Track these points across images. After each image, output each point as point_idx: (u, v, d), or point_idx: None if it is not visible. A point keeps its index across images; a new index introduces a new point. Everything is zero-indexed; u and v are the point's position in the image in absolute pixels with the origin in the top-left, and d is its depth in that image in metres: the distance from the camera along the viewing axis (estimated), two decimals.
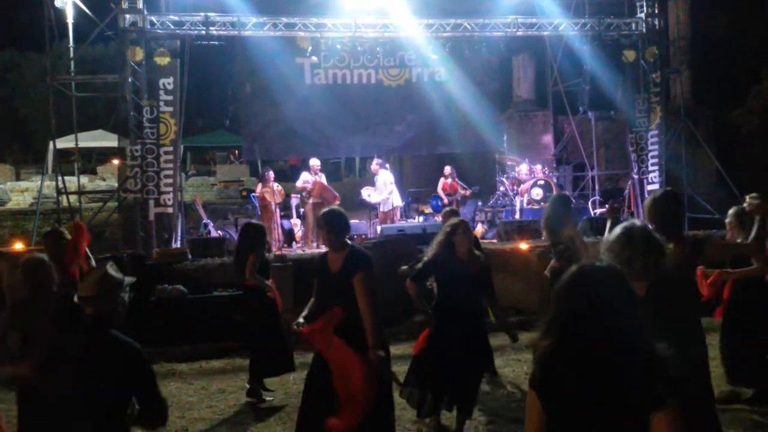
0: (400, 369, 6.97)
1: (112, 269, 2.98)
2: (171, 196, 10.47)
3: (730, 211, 5.36)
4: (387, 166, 12.81)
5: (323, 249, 10.40)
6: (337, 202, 11.71)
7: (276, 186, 11.78)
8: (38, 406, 3.04)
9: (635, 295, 2.11)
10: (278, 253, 10.23)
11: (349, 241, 4.35)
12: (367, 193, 12.30)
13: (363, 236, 11.18)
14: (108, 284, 2.91)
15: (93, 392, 2.73)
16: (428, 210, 12.92)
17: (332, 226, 4.23)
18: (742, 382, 5.44)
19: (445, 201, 12.39)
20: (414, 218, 12.96)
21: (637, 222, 3.09)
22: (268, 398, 6.19)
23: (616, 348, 1.94)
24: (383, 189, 12.10)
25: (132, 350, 2.84)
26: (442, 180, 12.81)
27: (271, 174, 11.92)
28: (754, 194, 4.05)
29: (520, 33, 11.64)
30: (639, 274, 2.89)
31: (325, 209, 4.43)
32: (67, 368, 2.80)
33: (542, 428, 2.05)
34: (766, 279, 5.11)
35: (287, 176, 21.62)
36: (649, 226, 3.39)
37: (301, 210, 12.01)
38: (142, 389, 2.85)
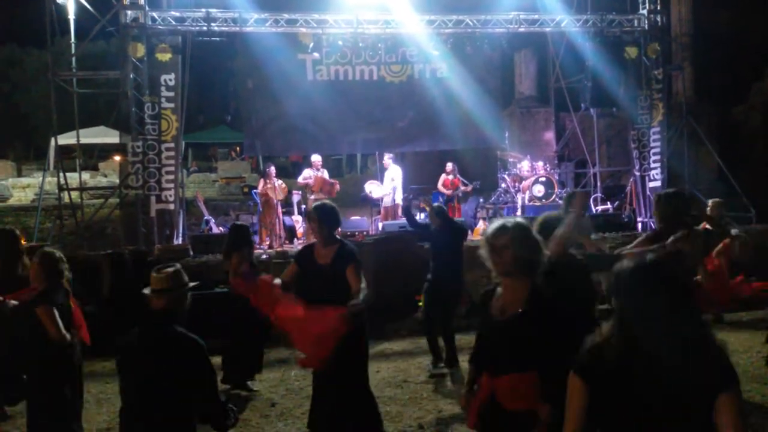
0: (401, 365, 7.00)
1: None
2: (172, 192, 10.48)
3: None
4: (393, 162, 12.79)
5: None
6: (337, 187, 11.75)
7: (278, 182, 11.78)
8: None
9: (690, 286, 2.29)
10: (279, 249, 10.24)
11: (337, 236, 4.41)
12: (370, 189, 12.30)
13: (364, 233, 11.17)
14: (181, 280, 3.15)
15: (160, 382, 2.96)
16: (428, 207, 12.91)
17: (325, 219, 4.24)
18: None
19: (447, 195, 12.39)
20: (415, 215, 12.92)
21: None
22: (254, 388, 6.31)
23: (678, 339, 1.99)
24: (387, 184, 12.10)
25: (196, 345, 3.03)
26: (443, 176, 12.80)
27: (273, 170, 11.92)
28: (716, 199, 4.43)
29: (522, 29, 11.62)
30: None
31: (317, 203, 4.44)
32: (139, 359, 3.03)
33: (583, 415, 2.11)
34: None
35: (289, 172, 21.62)
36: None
37: (303, 206, 12.01)
38: (203, 384, 3.04)
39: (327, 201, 4.54)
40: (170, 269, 3.17)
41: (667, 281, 2.05)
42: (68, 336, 4.18)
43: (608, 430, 2.13)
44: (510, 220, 2.88)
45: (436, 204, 7.93)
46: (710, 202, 8.15)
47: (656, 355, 1.98)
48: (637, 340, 2.02)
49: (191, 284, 3.25)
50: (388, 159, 12.39)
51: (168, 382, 2.98)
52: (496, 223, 2.90)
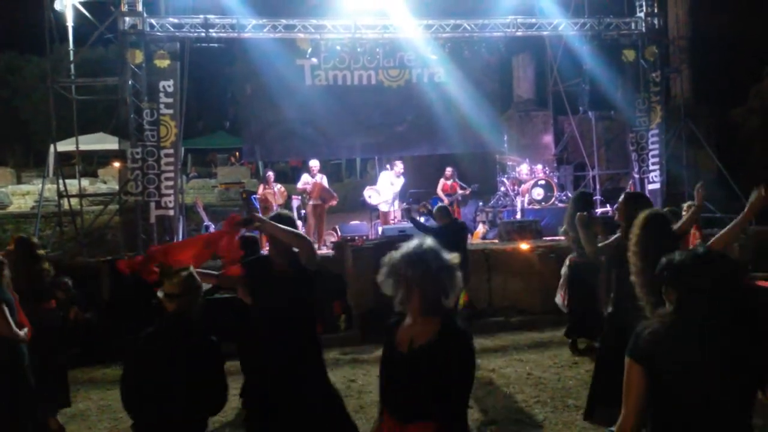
0: None
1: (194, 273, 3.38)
2: (172, 198, 10.48)
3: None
4: (388, 167, 12.80)
5: (324, 250, 10.45)
6: (334, 203, 11.72)
7: (278, 187, 11.79)
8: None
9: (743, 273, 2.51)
10: None
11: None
12: (368, 194, 12.30)
13: (364, 237, 11.17)
14: (193, 284, 3.30)
15: (179, 379, 3.13)
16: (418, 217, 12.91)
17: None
18: None
19: (446, 201, 12.39)
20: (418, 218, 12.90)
21: None
22: None
23: (731, 320, 2.18)
24: (388, 189, 12.09)
25: (210, 345, 3.26)
26: (442, 181, 12.81)
27: (271, 175, 11.90)
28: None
29: (519, 33, 11.64)
30: None
31: (273, 213, 4.29)
32: (157, 359, 3.18)
33: (644, 401, 2.22)
34: None
35: (288, 178, 21.61)
36: None
37: (303, 211, 12.00)
38: (213, 377, 3.23)
39: (283, 211, 4.37)
40: (183, 274, 3.31)
41: (723, 266, 2.26)
42: (21, 333, 4.32)
43: (663, 412, 2.23)
44: (426, 245, 2.50)
45: (440, 204, 8.04)
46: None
47: (716, 336, 2.16)
48: (699, 322, 2.18)
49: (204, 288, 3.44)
50: (400, 165, 12.31)
51: (184, 381, 3.13)
52: (411, 245, 2.51)
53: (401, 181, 12.29)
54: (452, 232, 7.11)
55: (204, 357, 3.22)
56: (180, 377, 3.14)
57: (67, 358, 5.79)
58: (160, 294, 3.29)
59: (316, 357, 3.76)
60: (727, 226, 3.91)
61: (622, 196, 4.83)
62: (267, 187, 11.64)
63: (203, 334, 3.28)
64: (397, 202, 12.19)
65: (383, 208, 12.08)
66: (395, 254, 2.49)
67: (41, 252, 5.38)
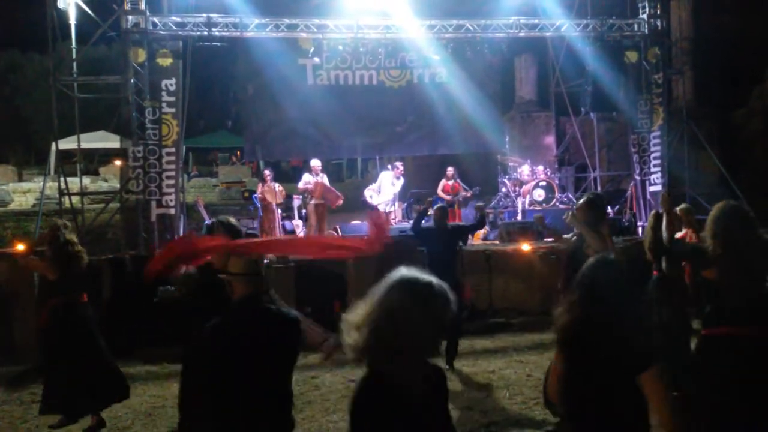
0: None
1: None
2: (173, 197, 10.48)
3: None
4: (389, 167, 12.81)
5: None
6: (340, 202, 11.71)
7: (277, 187, 11.78)
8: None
9: (632, 284, 2.79)
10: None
11: None
12: (369, 194, 12.30)
13: (364, 237, 11.16)
14: (258, 264, 3.14)
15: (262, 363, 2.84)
16: (430, 211, 12.91)
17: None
18: None
19: (447, 201, 12.39)
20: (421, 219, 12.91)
21: None
22: None
23: (616, 323, 2.52)
24: (388, 190, 12.10)
25: (291, 320, 3.01)
26: (443, 181, 12.80)
27: (269, 173, 11.91)
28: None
29: (522, 34, 11.63)
30: None
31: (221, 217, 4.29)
32: (233, 341, 2.87)
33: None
34: None
35: (289, 177, 21.61)
36: None
37: (303, 211, 12.01)
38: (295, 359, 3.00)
39: (227, 218, 4.32)
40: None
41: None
42: None
43: None
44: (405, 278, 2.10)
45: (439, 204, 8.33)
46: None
47: (602, 335, 2.57)
48: (593, 322, 2.59)
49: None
50: (400, 165, 12.34)
51: (271, 358, 2.86)
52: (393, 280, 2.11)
53: (401, 182, 12.30)
54: (447, 236, 7.30)
55: (288, 335, 2.93)
56: (267, 368, 2.81)
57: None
58: (224, 276, 3.03)
59: None
60: None
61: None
62: (265, 185, 11.64)
63: (284, 314, 3.01)
64: (397, 203, 12.22)
65: (383, 208, 12.09)
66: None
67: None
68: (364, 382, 2.08)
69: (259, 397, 2.82)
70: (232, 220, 4.17)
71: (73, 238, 5.63)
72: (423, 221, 7.74)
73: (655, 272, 5.31)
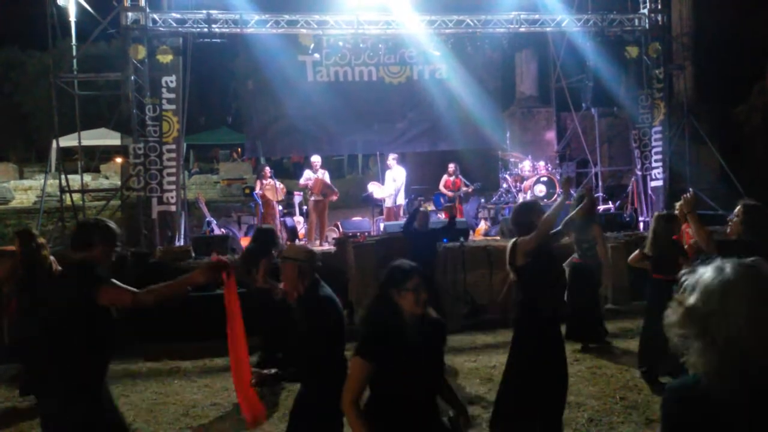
0: None
1: None
2: (174, 194, 10.48)
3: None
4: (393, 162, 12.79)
5: (326, 246, 10.45)
6: (335, 198, 11.72)
7: (278, 184, 11.78)
8: None
9: None
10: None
11: None
12: (372, 189, 12.29)
13: (366, 233, 11.17)
14: (313, 252, 3.75)
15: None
16: (431, 207, 12.91)
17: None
18: None
19: (449, 196, 12.39)
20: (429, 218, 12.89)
21: None
22: None
23: None
24: (389, 185, 12.10)
25: (333, 302, 3.54)
26: (444, 177, 12.79)
27: (268, 170, 11.90)
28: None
29: (522, 29, 11.61)
30: None
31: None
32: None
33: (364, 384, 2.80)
34: None
35: (290, 173, 21.62)
36: None
37: (304, 207, 12.00)
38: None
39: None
40: (304, 245, 3.84)
41: None
42: None
43: None
44: None
45: (422, 208, 8.62)
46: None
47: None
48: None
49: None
50: (392, 159, 12.38)
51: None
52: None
53: (402, 171, 12.24)
54: (428, 236, 7.67)
55: (333, 317, 3.46)
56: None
57: None
58: (280, 257, 3.67)
59: None
60: None
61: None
62: (264, 181, 11.64)
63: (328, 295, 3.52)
64: (401, 195, 12.17)
65: (388, 203, 12.09)
66: None
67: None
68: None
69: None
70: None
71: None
72: (414, 223, 7.78)
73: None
